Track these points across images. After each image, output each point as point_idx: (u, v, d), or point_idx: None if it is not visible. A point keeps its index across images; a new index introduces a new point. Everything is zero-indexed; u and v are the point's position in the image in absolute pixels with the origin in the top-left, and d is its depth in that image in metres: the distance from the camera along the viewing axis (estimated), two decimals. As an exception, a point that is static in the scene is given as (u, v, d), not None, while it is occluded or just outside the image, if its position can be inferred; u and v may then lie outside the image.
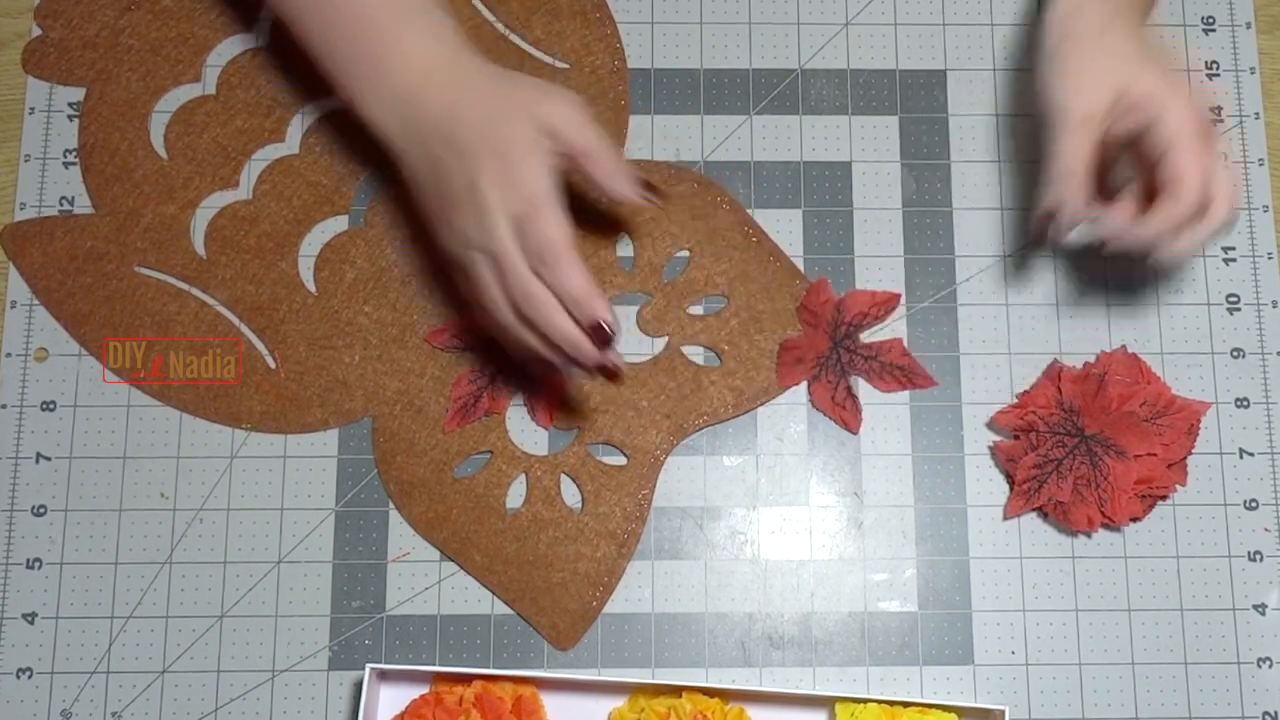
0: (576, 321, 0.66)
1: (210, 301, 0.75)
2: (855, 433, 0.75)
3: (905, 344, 0.75)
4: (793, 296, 0.76)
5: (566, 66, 0.78)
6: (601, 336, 0.66)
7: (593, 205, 0.75)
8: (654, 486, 0.74)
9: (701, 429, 0.75)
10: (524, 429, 0.75)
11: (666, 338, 0.75)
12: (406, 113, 0.67)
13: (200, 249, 0.76)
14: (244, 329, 0.75)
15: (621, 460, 0.74)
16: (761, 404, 0.75)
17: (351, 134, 0.76)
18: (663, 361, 0.75)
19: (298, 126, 0.78)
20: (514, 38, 0.79)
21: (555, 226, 0.65)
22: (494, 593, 0.72)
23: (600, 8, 0.79)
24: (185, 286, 0.75)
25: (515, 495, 0.74)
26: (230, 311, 0.75)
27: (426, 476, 0.74)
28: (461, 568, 0.73)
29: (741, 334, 0.75)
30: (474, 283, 0.67)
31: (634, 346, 0.75)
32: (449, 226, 0.68)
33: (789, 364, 0.75)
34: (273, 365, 0.75)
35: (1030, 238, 0.77)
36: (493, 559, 0.73)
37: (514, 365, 0.73)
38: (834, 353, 0.75)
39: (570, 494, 0.74)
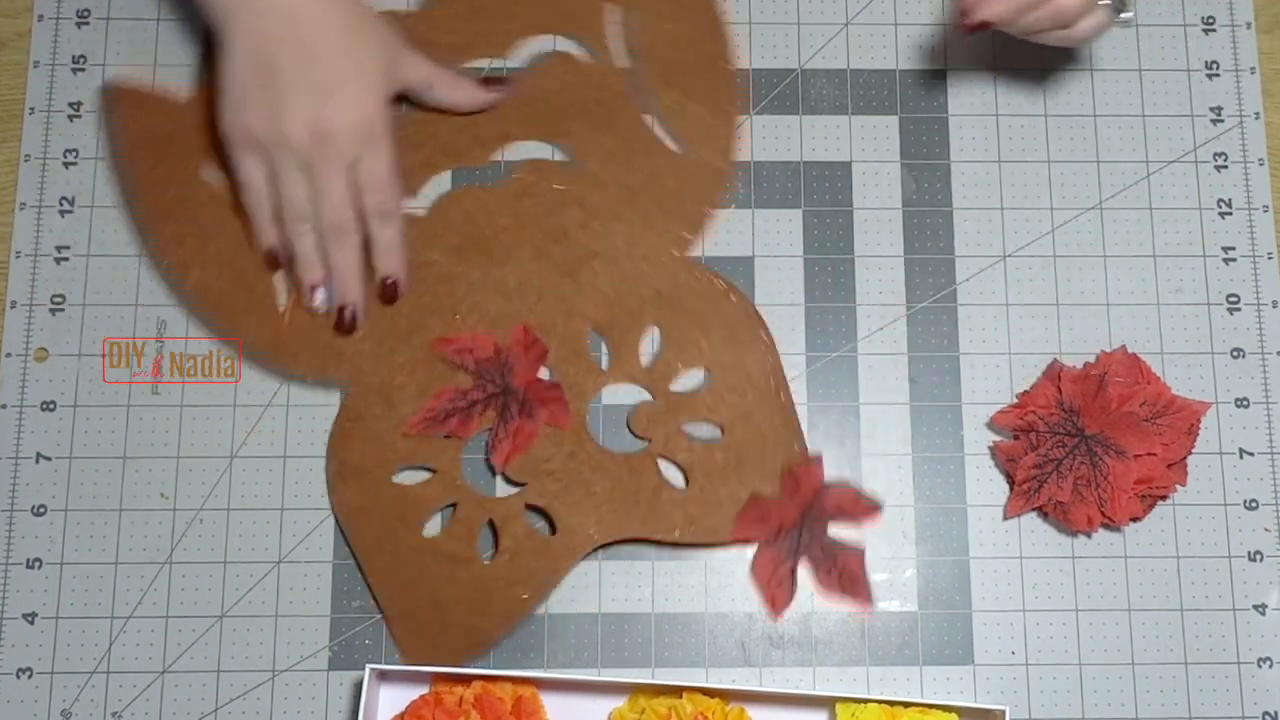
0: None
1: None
2: (776, 616, 0.72)
3: (865, 558, 0.73)
4: (786, 458, 0.73)
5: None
6: (384, 301, 0.74)
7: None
8: (565, 572, 0.72)
9: (637, 541, 0.73)
10: (475, 463, 0.74)
11: (649, 442, 0.74)
12: None
13: None
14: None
15: (549, 533, 0.73)
16: (704, 545, 0.73)
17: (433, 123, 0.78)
18: (634, 460, 0.73)
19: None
20: None
21: (388, 161, 0.71)
22: (373, 596, 0.72)
23: None
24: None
25: (438, 522, 0.73)
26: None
27: (368, 468, 0.73)
28: (357, 564, 0.72)
29: (719, 471, 0.73)
30: (241, 172, 0.71)
31: (612, 436, 0.74)
32: (245, 107, 0.70)
33: (749, 520, 0.72)
34: (283, 304, 0.75)
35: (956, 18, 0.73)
36: (392, 571, 0.72)
37: (496, 406, 0.73)
38: (797, 531, 0.72)
39: (487, 542, 0.73)
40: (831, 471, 0.74)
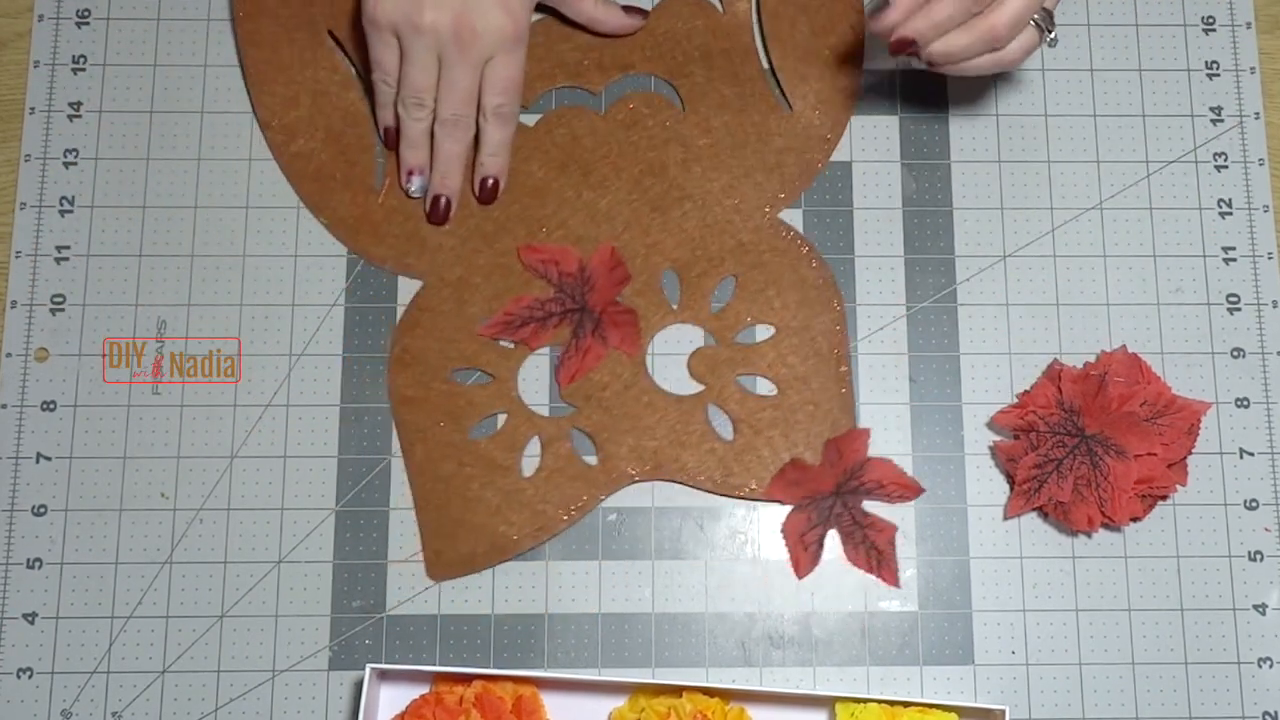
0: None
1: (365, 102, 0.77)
2: (798, 577, 0.73)
3: (899, 532, 0.73)
4: (834, 429, 0.74)
5: None
6: (480, 201, 0.76)
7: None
8: (597, 502, 0.73)
9: (673, 482, 0.74)
10: (535, 379, 0.75)
11: (704, 387, 0.75)
12: None
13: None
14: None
15: (592, 460, 0.74)
16: (739, 496, 0.73)
17: None
18: (686, 403, 0.74)
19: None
20: None
21: (520, 67, 0.73)
22: (412, 491, 0.73)
23: None
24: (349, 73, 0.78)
25: (486, 427, 0.74)
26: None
27: (429, 360, 0.74)
28: (403, 452, 0.73)
29: (767, 428, 0.74)
30: (375, 51, 0.73)
31: (667, 375, 0.75)
32: None
33: (786, 481, 0.73)
34: (379, 185, 0.76)
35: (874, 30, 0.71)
36: (430, 464, 0.73)
37: (571, 322, 0.75)
38: (832, 499, 0.73)
39: (530, 457, 0.74)
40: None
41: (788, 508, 0.74)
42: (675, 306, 0.76)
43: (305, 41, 0.78)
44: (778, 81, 0.79)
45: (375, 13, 0.71)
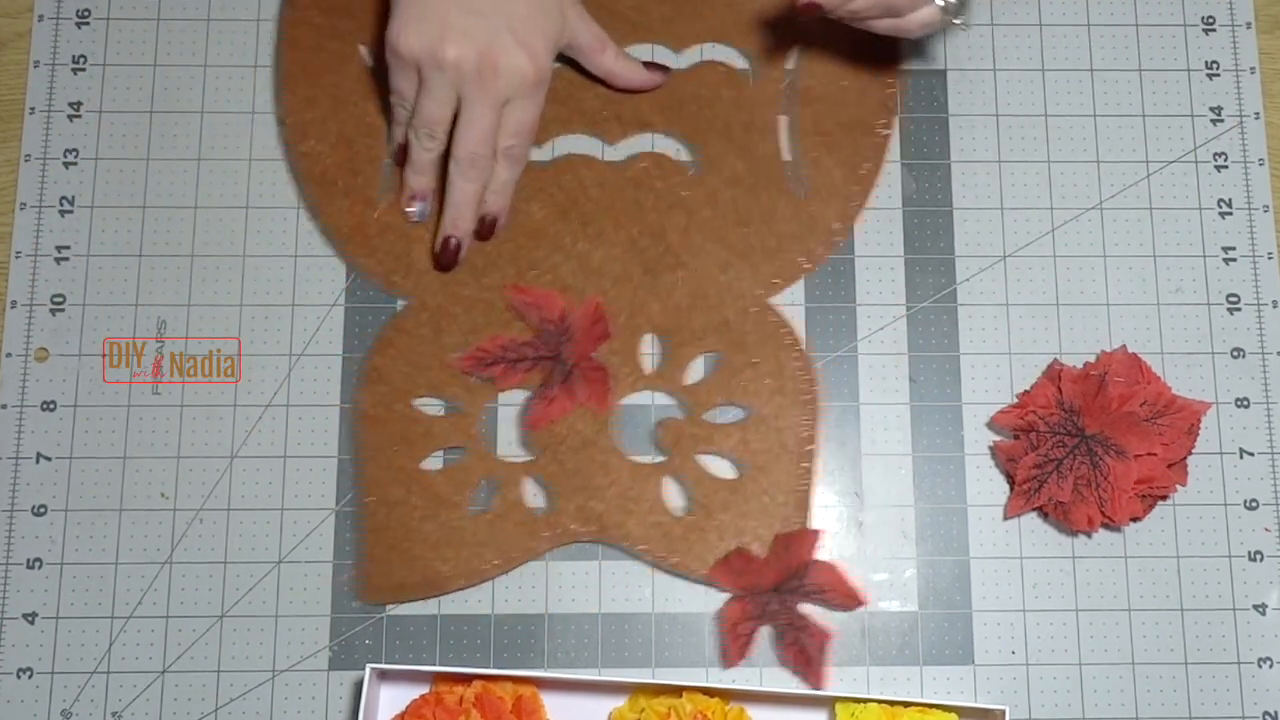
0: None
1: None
2: (724, 667, 0.71)
3: (831, 636, 0.71)
4: (785, 525, 0.73)
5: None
6: (477, 237, 0.75)
7: None
8: (538, 554, 0.72)
9: (612, 545, 0.73)
10: (491, 420, 0.74)
11: (665, 458, 0.74)
12: None
13: None
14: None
15: (541, 505, 0.73)
16: (669, 568, 0.72)
17: None
18: (643, 470, 0.73)
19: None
20: None
21: (537, 111, 0.73)
22: (356, 510, 0.73)
23: None
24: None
25: (438, 459, 0.74)
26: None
27: (395, 380, 0.74)
28: (354, 469, 0.73)
29: (720, 509, 0.73)
30: (395, 81, 0.72)
31: (629, 438, 0.74)
32: (420, 24, 0.70)
33: (730, 569, 0.71)
34: (380, 199, 0.76)
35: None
36: (378, 486, 0.73)
37: (543, 370, 0.74)
38: (770, 595, 0.72)
39: (478, 497, 0.73)
40: (837, 483, 0.74)
41: (725, 594, 0.72)
42: (650, 372, 0.75)
43: (336, 51, 0.78)
44: (794, 166, 0.78)
45: (398, 42, 0.71)
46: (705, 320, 0.75)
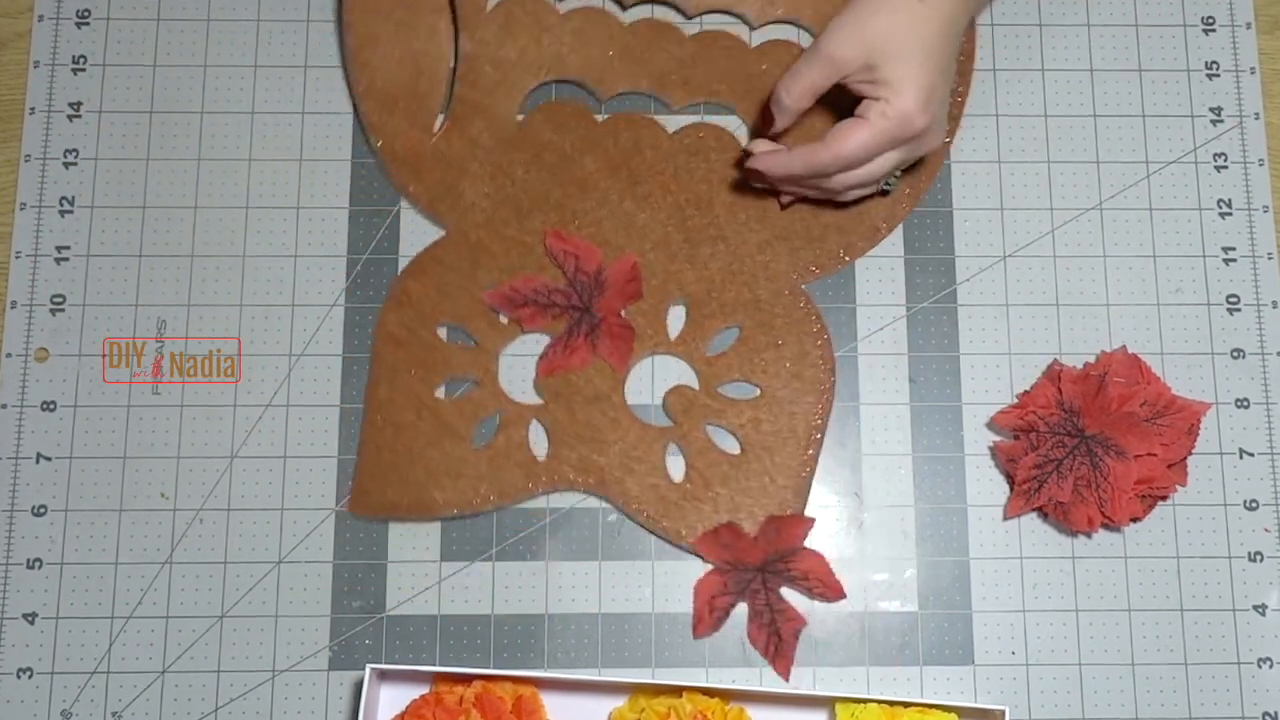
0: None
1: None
2: (694, 636, 0.72)
3: (805, 623, 0.72)
4: (780, 508, 0.73)
5: None
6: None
7: None
8: (531, 495, 0.73)
9: (609, 502, 0.73)
10: (511, 361, 0.75)
11: (672, 424, 0.74)
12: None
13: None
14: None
15: (543, 450, 0.74)
16: (665, 539, 0.73)
17: None
18: (650, 433, 0.74)
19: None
20: None
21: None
22: (362, 425, 0.74)
23: None
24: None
25: (452, 388, 0.74)
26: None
27: (424, 305, 0.75)
28: (368, 386, 0.74)
29: (716, 484, 0.73)
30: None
31: (642, 398, 0.75)
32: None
33: (717, 541, 0.72)
34: (438, 125, 0.77)
35: (744, 159, 0.75)
36: (389, 406, 0.74)
37: (570, 319, 0.75)
38: (753, 574, 0.72)
39: (483, 431, 0.74)
40: (832, 486, 0.74)
41: (706, 566, 0.73)
42: (673, 337, 0.76)
43: (405, 16, 0.78)
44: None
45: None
46: (736, 296, 0.76)
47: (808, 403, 0.75)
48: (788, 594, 0.73)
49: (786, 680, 0.71)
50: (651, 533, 0.73)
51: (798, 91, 0.70)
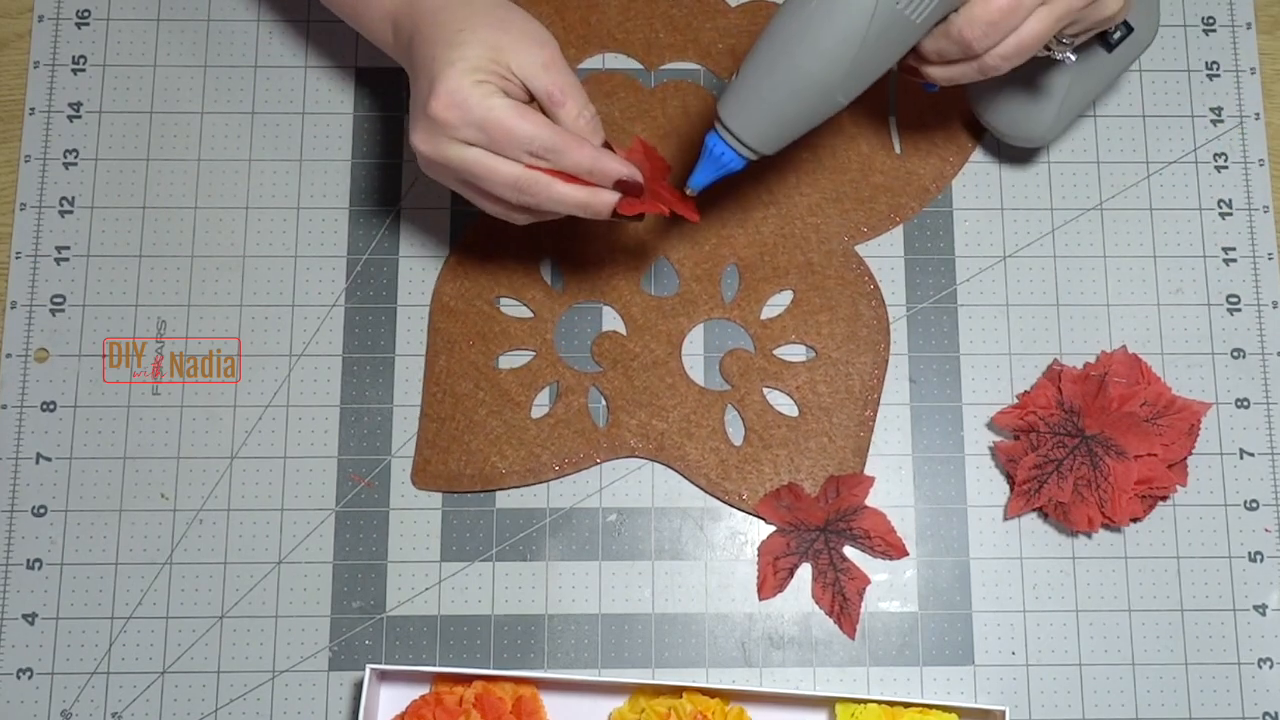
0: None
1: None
2: (760, 598, 0.72)
3: (870, 582, 0.72)
4: (840, 468, 0.74)
5: None
6: (631, 189, 0.64)
7: None
8: (592, 463, 0.74)
9: (670, 468, 0.74)
10: (565, 334, 0.75)
11: (729, 388, 0.75)
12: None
13: None
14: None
15: (601, 422, 0.74)
16: (727, 502, 0.73)
17: None
18: (707, 396, 0.75)
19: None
20: None
21: (532, 128, 0.62)
22: (423, 398, 0.74)
23: None
24: None
25: (514, 359, 0.75)
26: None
27: (481, 276, 0.76)
28: (427, 358, 0.75)
29: (778, 444, 0.74)
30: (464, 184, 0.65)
31: (698, 362, 0.76)
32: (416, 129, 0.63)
33: (778, 503, 0.73)
34: None
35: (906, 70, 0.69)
36: (449, 377, 0.74)
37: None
38: (816, 534, 0.73)
39: (542, 401, 0.75)
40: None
41: (770, 527, 0.73)
42: (728, 302, 0.76)
43: None
44: (897, 123, 0.78)
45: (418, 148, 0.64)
46: (788, 259, 0.76)
47: (863, 363, 0.75)
48: (851, 553, 0.73)
49: (852, 639, 0.72)
50: (712, 495, 0.74)
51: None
